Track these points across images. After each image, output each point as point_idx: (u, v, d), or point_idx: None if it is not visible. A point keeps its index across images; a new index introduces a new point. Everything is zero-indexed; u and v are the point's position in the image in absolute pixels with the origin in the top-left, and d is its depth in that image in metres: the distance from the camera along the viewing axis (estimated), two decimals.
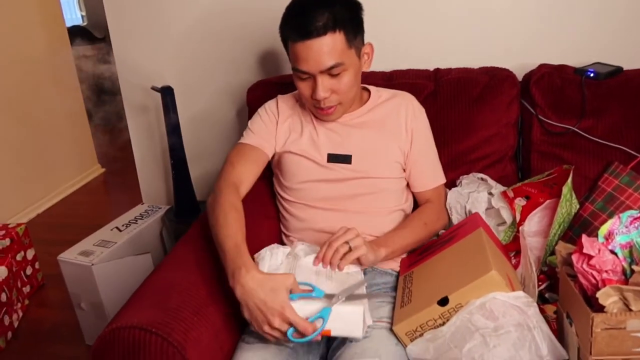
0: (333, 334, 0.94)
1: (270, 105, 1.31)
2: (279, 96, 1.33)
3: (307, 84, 1.13)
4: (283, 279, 0.91)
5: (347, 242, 1.03)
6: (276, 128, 1.28)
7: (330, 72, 1.09)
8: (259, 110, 1.32)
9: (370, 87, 1.30)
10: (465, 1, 1.54)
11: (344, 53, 1.09)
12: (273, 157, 1.30)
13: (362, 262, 1.06)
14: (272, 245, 1.13)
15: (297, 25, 1.07)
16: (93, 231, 1.89)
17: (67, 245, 1.81)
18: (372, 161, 1.22)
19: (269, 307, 0.89)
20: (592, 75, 1.37)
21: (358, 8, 1.13)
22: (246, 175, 1.21)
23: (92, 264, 1.67)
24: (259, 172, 1.25)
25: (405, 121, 1.24)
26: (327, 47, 1.06)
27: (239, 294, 0.92)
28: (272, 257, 1.06)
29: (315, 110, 1.18)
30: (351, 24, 1.10)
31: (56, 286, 2.17)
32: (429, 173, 1.28)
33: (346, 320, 0.94)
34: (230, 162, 1.22)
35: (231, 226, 1.04)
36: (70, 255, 1.72)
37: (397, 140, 1.24)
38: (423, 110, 1.29)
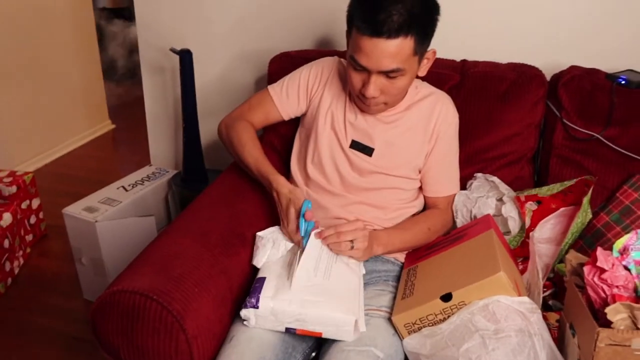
0: (324, 335, 0.95)
1: (321, 67, 1.27)
2: (337, 59, 1.29)
3: (359, 76, 1.09)
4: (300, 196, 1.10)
5: (352, 241, 1.03)
6: (320, 93, 1.25)
7: (388, 74, 1.05)
8: (308, 67, 1.28)
9: None
10: None
11: (407, 59, 1.04)
12: (306, 118, 1.29)
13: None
14: (276, 228, 1.12)
15: (369, 19, 0.99)
16: (98, 186, 1.89)
17: (72, 197, 1.81)
18: (392, 160, 1.20)
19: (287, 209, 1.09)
20: (623, 82, 1.33)
21: (436, 12, 1.06)
22: (256, 122, 1.30)
23: (96, 221, 1.67)
24: (266, 124, 1.33)
25: (435, 124, 1.20)
26: (393, 50, 1.01)
27: (275, 197, 1.13)
28: (274, 247, 1.05)
29: (359, 101, 1.15)
30: (425, 29, 1.05)
31: (59, 237, 2.19)
32: (444, 181, 1.25)
33: (336, 326, 0.94)
34: (249, 103, 1.32)
35: (251, 149, 1.21)
36: (75, 210, 1.72)
37: (422, 142, 1.21)
38: (457, 116, 1.24)
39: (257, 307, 0.93)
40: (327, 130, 1.23)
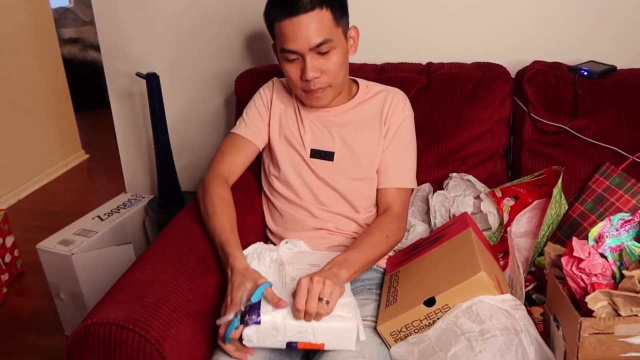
0: (326, 347, 0.93)
1: (265, 89, 1.29)
2: (275, 79, 1.30)
3: (295, 66, 1.11)
4: (256, 278, 0.95)
5: (320, 299, 0.90)
6: (269, 113, 1.26)
7: (319, 49, 1.07)
8: (256, 95, 1.29)
9: (360, 81, 1.27)
10: None
11: (332, 30, 1.08)
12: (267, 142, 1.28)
13: None
14: (257, 244, 1.10)
15: (283, 3, 1.06)
16: (75, 218, 1.85)
17: (48, 232, 1.76)
18: (353, 160, 1.20)
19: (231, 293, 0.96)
20: (585, 73, 1.35)
21: None
22: (234, 168, 1.23)
23: (72, 254, 1.63)
24: (247, 164, 1.26)
25: (386, 116, 1.20)
26: (315, 24, 1.05)
27: (228, 278, 0.99)
28: (260, 263, 1.03)
29: (305, 95, 1.15)
30: (337, 2, 1.09)
31: (36, 274, 2.13)
32: (395, 170, 1.20)
33: (339, 335, 0.92)
34: (220, 152, 1.25)
35: (219, 218, 1.09)
36: (49, 244, 1.68)
37: (378, 138, 1.20)
38: (408, 108, 1.23)
39: (259, 323, 0.91)
40: (283, 146, 1.23)
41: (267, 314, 0.91)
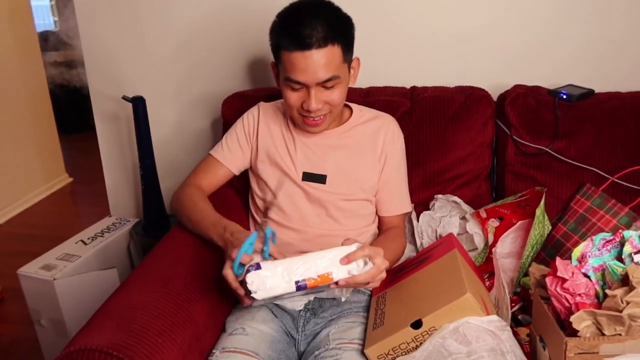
0: (334, 276, 0.94)
1: (249, 116, 1.29)
2: (261, 103, 1.31)
3: (298, 95, 1.11)
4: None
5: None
6: (255, 138, 1.27)
7: (325, 84, 1.08)
8: (239, 120, 1.30)
9: (353, 105, 1.28)
10: (443, 22, 1.55)
11: (339, 66, 1.09)
12: (251, 166, 1.29)
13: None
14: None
15: (296, 35, 1.04)
16: (58, 243, 1.82)
17: (30, 258, 1.73)
18: (346, 183, 1.21)
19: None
20: (565, 97, 1.39)
21: (351, 24, 1.13)
22: (205, 187, 1.27)
23: (54, 279, 1.60)
24: (218, 185, 1.31)
25: (382, 143, 1.23)
26: (325, 60, 1.05)
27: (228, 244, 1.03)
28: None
29: (302, 120, 1.16)
30: (346, 38, 1.10)
31: (16, 300, 2.08)
32: (396, 200, 1.26)
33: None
34: (194, 171, 1.30)
35: (200, 210, 1.16)
36: (31, 269, 1.64)
37: (372, 163, 1.23)
38: (402, 136, 1.28)
39: (260, 268, 0.91)
40: (272, 171, 1.24)
41: (267, 262, 0.93)
